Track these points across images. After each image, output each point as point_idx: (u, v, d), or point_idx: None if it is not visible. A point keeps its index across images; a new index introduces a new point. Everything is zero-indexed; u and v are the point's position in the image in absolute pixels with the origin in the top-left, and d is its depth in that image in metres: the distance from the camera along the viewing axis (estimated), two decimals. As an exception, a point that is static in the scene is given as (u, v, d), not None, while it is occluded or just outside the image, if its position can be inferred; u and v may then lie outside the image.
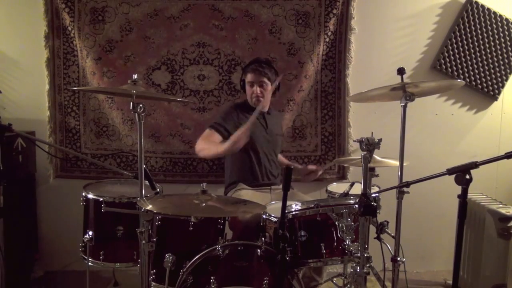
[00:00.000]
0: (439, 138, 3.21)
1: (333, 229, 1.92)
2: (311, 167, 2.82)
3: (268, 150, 2.69)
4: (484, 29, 3.08)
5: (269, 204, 2.25)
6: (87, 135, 3.09)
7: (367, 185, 1.67)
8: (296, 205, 1.97)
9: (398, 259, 2.11)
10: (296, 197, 2.52)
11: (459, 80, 2.76)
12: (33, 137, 2.78)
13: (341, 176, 3.19)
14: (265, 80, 2.60)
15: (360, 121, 3.12)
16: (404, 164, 2.11)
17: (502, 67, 3.13)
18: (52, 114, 3.04)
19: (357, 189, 1.90)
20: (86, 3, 2.95)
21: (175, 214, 1.92)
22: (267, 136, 2.69)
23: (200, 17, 3.00)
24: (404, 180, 2.05)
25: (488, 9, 3.06)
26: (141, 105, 1.70)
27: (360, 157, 1.70)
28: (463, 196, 1.58)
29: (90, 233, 2.21)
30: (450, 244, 2.97)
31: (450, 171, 1.61)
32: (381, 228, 1.87)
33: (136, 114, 1.71)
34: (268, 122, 2.72)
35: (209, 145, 2.50)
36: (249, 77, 2.61)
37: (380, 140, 1.71)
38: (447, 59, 3.10)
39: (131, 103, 1.70)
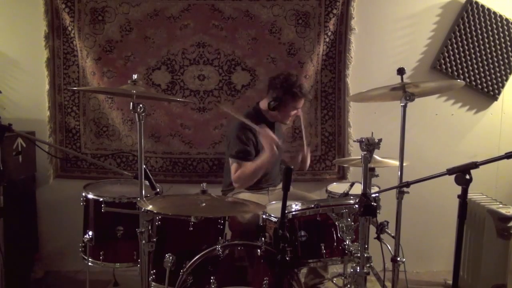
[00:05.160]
0: (439, 138, 3.21)
1: (333, 229, 1.92)
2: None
3: (278, 159, 2.66)
4: (484, 29, 3.08)
5: (269, 204, 2.25)
6: (87, 135, 3.09)
7: (367, 185, 1.67)
8: (296, 205, 1.97)
9: (398, 259, 2.11)
10: (297, 195, 2.52)
11: (459, 80, 2.77)
12: (33, 137, 2.78)
13: (341, 176, 3.19)
14: None
15: (360, 121, 3.11)
16: (404, 164, 2.11)
17: (502, 67, 3.13)
18: (52, 114, 3.04)
19: (357, 189, 1.90)
20: (86, 3, 2.95)
21: (175, 214, 1.93)
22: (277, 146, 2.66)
23: (200, 17, 2.99)
24: (404, 180, 2.05)
25: (488, 9, 3.06)
26: (141, 105, 1.70)
27: (360, 157, 1.70)
28: (463, 196, 1.58)
29: (90, 233, 2.21)
30: (450, 244, 2.96)
31: (450, 171, 1.61)
32: (381, 228, 1.88)
33: (136, 114, 1.71)
34: (276, 132, 2.67)
35: (245, 172, 2.44)
36: (297, 103, 2.54)
37: (380, 140, 1.71)
38: (447, 59, 3.10)
39: (131, 103, 1.70)
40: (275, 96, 2.51)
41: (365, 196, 1.61)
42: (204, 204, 1.77)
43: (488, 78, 3.13)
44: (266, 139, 2.36)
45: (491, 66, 3.12)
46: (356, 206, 1.77)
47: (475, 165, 1.56)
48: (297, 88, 2.50)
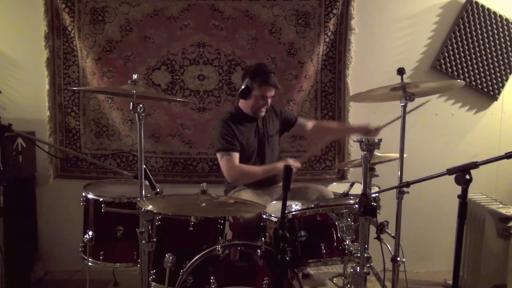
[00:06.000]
0: (439, 138, 3.21)
1: (333, 229, 1.92)
2: (374, 125, 2.62)
3: (268, 153, 2.67)
4: (484, 29, 3.08)
5: (269, 204, 2.25)
6: (87, 135, 3.09)
7: (367, 185, 1.67)
8: (296, 205, 1.97)
9: (398, 259, 2.11)
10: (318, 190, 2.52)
11: (459, 80, 2.78)
12: (33, 137, 2.78)
13: (341, 176, 3.19)
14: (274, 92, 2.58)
15: (360, 121, 3.10)
16: (403, 165, 2.11)
17: (502, 67, 3.13)
18: (52, 114, 3.04)
19: (357, 189, 1.90)
20: (86, 3, 2.95)
21: (175, 214, 1.93)
22: (264, 140, 2.67)
23: (200, 17, 2.99)
24: (404, 180, 2.05)
25: (488, 9, 3.06)
26: (141, 105, 1.70)
27: (360, 158, 1.70)
28: (463, 196, 1.58)
29: (90, 233, 2.21)
30: (450, 244, 2.97)
31: (450, 171, 1.61)
32: (381, 228, 1.88)
33: (136, 114, 1.71)
34: (266, 125, 2.68)
35: (244, 170, 2.49)
36: (263, 90, 2.49)
37: (380, 140, 1.71)
38: (447, 59, 3.10)
39: (131, 103, 1.70)
40: (243, 83, 2.52)
41: (365, 196, 1.61)
42: (204, 204, 1.77)
43: (488, 78, 3.13)
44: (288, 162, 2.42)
45: (491, 66, 3.12)
46: (356, 206, 1.77)
47: (475, 165, 1.56)
48: (264, 74, 2.48)
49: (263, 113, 2.61)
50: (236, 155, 2.50)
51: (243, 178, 2.53)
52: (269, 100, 2.57)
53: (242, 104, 2.62)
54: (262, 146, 2.64)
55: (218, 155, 2.54)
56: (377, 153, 2.20)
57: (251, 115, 2.61)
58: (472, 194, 2.91)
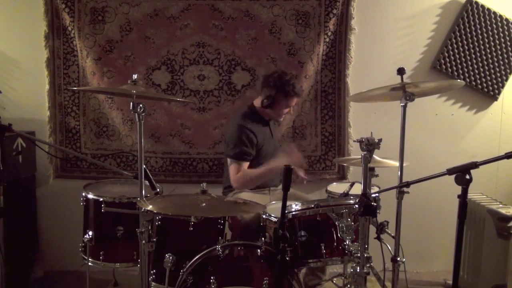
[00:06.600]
0: (439, 138, 3.21)
1: (333, 229, 1.92)
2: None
3: (271, 156, 2.68)
4: (484, 29, 3.08)
5: (269, 204, 2.25)
6: (87, 135, 3.09)
7: (367, 185, 1.67)
8: (296, 205, 1.97)
9: (398, 259, 2.11)
10: (296, 196, 2.52)
11: (459, 80, 2.78)
12: (33, 137, 2.78)
13: (341, 176, 3.19)
14: None
15: (360, 121, 3.11)
16: (404, 165, 2.11)
17: (502, 67, 3.12)
18: (52, 114, 3.04)
19: (357, 189, 1.90)
20: (86, 3, 2.95)
21: (175, 214, 1.93)
22: (271, 144, 2.70)
23: (200, 17, 2.99)
24: (404, 180, 2.05)
25: (488, 9, 3.06)
26: (141, 105, 1.70)
27: (360, 157, 1.70)
28: (463, 196, 1.58)
29: (90, 233, 2.21)
30: (450, 244, 2.97)
31: (450, 171, 1.61)
32: (381, 228, 1.88)
33: (136, 114, 1.71)
34: (274, 130, 2.77)
35: (247, 176, 2.48)
36: (290, 101, 2.57)
37: (380, 140, 1.71)
38: (447, 59, 3.10)
39: (131, 103, 1.70)
40: (268, 94, 2.55)
41: (365, 196, 1.61)
42: (204, 204, 1.77)
43: (488, 78, 3.13)
44: (292, 158, 2.42)
45: (491, 66, 3.12)
46: (356, 206, 1.77)
47: (475, 165, 1.56)
48: (289, 86, 2.53)
49: (282, 118, 2.72)
50: (246, 164, 2.50)
51: (247, 186, 2.55)
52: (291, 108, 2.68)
53: (260, 108, 2.62)
54: (274, 149, 2.67)
55: (228, 160, 2.55)
56: (376, 157, 2.20)
57: (266, 119, 2.67)
58: (472, 194, 2.91)
